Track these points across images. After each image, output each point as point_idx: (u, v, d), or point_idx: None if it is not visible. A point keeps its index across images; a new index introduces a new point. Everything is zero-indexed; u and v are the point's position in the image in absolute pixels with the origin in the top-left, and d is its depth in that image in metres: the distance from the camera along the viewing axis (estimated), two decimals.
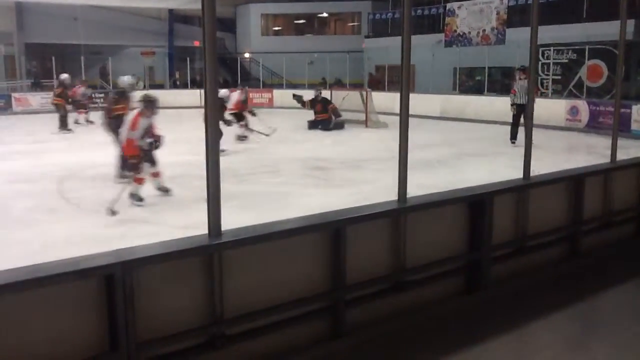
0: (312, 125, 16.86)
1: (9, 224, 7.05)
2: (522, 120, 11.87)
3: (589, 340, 4.13)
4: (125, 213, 7.19)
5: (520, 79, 12.93)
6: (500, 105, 18.12)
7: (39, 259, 2.92)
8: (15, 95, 23.80)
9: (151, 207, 7.64)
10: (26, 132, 16.48)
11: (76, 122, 17.53)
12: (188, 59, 28.41)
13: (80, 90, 18.22)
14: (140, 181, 7.68)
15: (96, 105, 24.56)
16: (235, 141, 13.31)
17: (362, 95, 18.37)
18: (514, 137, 12.92)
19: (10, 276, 2.66)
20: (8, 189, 8.86)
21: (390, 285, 4.09)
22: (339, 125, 17.01)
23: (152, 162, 7.93)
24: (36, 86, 27.49)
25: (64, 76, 17.11)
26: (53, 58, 25.31)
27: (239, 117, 13.74)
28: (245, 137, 13.96)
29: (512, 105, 13.03)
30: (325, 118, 16.81)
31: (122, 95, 9.96)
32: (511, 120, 13.08)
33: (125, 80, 10.83)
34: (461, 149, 12.99)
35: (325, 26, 34.57)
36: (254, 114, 14.38)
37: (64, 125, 16.34)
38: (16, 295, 2.66)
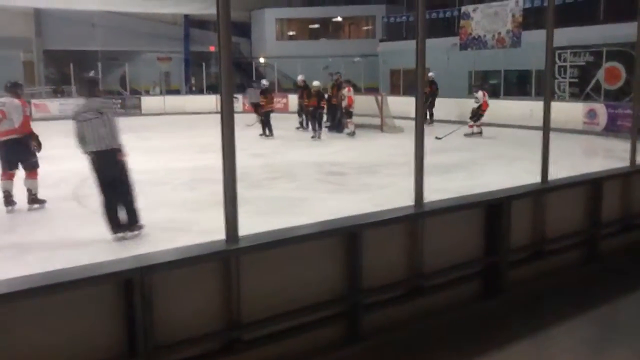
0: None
1: (29, 229, 7.14)
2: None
3: (610, 346, 4.07)
4: (142, 219, 7.24)
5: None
6: (517, 109, 18.04)
7: (58, 265, 2.96)
8: (34, 101, 24.10)
9: (168, 213, 7.69)
10: (43, 139, 16.63)
11: None
12: (204, 64, 28.61)
13: None
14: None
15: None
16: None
17: (377, 100, 18.33)
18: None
19: (30, 281, 2.71)
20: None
21: (408, 289, 4.08)
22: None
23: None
24: (55, 92, 27.79)
25: None
26: (71, 64, 25.63)
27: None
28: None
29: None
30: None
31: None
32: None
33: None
34: (477, 153, 12.94)
35: (340, 30, 34.61)
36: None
37: None
38: (36, 300, 2.69)
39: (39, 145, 8.00)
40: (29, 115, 8.10)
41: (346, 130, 16.58)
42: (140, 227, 6.53)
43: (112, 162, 6.33)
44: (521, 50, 19.77)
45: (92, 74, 20.13)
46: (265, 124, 16.43)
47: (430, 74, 19.32)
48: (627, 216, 5.74)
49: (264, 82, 18.07)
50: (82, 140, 6.36)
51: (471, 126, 15.98)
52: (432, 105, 18.85)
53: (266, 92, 17.13)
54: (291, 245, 3.48)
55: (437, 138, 14.52)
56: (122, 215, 6.43)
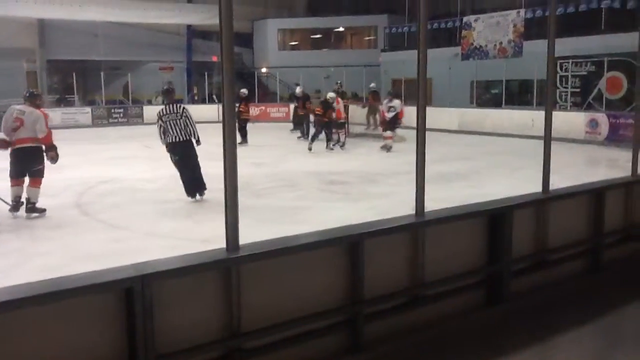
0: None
1: (31, 237, 7.15)
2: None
3: (614, 355, 4.05)
4: (144, 227, 7.25)
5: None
6: (519, 118, 18.07)
7: (60, 273, 2.95)
8: None
9: (169, 221, 7.69)
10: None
11: None
12: (206, 74, 28.68)
13: None
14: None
15: (116, 120, 25.20)
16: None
17: (379, 109, 18.38)
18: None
19: (32, 289, 2.70)
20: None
21: (409, 299, 4.06)
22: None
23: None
24: (59, 102, 27.85)
25: None
26: (74, 74, 25.70)
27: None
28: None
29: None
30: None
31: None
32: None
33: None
34: (479, 162, 12.93)
35: (342, 40, 34.70)
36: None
37: None
38: (37, 308, 2.68)
39: (56, 156, 8.08)
40: (50, 128, 8.19)
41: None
42: (204, 192, 8.74)
43: (186, 149, 8.62)
44: (523, 60, 19.80)
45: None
46: (241, 131, 16.36)
47: (372, 84, 21.92)
48: (629, 226, 5.73)
49: (244, 90, 18.07)
50: (165, 133, 8.62)
51: (391, 137, 14.97)
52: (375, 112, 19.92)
53: (246, 101, 17.40)
54: (292, 254, 3.47)
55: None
56: (195, 184, 8.71)
